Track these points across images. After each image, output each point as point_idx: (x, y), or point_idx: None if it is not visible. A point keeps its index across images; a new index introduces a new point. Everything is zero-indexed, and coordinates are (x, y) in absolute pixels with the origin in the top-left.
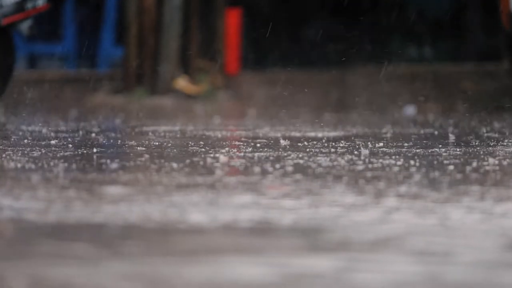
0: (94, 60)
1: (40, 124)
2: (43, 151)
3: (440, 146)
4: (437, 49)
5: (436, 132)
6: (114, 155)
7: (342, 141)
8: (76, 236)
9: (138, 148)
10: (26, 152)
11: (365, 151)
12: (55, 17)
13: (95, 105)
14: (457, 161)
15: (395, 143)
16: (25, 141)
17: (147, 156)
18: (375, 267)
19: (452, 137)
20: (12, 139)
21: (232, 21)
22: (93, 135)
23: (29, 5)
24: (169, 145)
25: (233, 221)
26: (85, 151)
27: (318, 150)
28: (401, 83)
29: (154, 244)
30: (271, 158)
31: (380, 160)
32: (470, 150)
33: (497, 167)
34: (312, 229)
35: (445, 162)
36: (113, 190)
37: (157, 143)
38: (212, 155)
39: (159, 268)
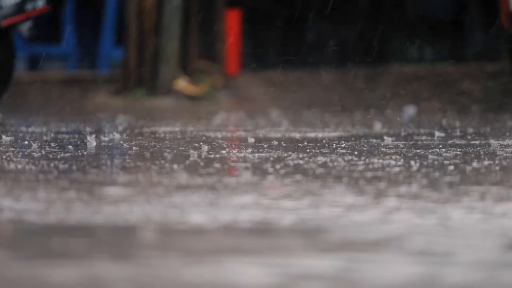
0: (94, 61)
1: (40, 125)
2: (43, 152)
3: (440, 146)
4: (437, 49)
5: (436, 132)
6: (114, 156)
7: (343, 141)
8: (76, 237)
9: (138, 149)
10: (26, 153)
11: (364, 152)
12: (55, 19)
13: (95, 106)
14: (457, 161)
15: (395, 143)
16: (25, 142)
17: (147, 157)
18: (376, 267)
19: (452, 137)
20: (12, 140)
21: (232, 22)
22: (93, 136)
23: (29, 6)
24: (169, 146)
25: (233, 222)
26: (85, 152)
27: (318, 151)
28: (401, 83)
29: (155, 245)
30: (271, 158)
31: (380, 160)
32: (470, 150)
33: (497, 167)
34: (312, 230)
35: (445, 162)
36: (113, 191)
37: (157, 144)
38: (212, 155)
39: (159, 269)
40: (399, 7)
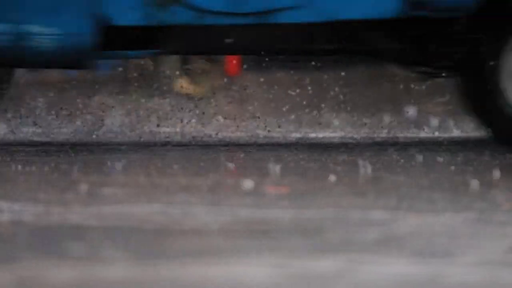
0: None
1: (40, 126)
2: (43, 153)
3: (441, 147)
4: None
5: (436, 133)
6: (114, 156)
7: (343, 142)
8: (76, 238)
9: (138, 149)
10: (26, 154)
11: (365, 151)
12: None
13: (95, 106)
14: (457, 161)
15: (395, 144)
16: (25, 142)
17: (147, 157)
18: (376, 268)
19: (453, 138)
20: (12, 141)
21: None
22: (94, 136)
23: None
24: (170, 145)
25: (234, 222)
26: (85, 153)
27: (318, 151)
28: (402, 83)
29: (155, 245)
30: (271, 158)
31: (381, 161)
32: (471, 151)
33: (498, 168)
34: (313, 230)
35: (446, 162)
36: (113, 191)
37: (157, 144)
38: (212, 156)
39: (160, 269)
40: None
